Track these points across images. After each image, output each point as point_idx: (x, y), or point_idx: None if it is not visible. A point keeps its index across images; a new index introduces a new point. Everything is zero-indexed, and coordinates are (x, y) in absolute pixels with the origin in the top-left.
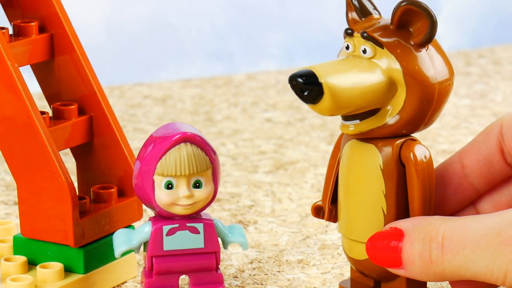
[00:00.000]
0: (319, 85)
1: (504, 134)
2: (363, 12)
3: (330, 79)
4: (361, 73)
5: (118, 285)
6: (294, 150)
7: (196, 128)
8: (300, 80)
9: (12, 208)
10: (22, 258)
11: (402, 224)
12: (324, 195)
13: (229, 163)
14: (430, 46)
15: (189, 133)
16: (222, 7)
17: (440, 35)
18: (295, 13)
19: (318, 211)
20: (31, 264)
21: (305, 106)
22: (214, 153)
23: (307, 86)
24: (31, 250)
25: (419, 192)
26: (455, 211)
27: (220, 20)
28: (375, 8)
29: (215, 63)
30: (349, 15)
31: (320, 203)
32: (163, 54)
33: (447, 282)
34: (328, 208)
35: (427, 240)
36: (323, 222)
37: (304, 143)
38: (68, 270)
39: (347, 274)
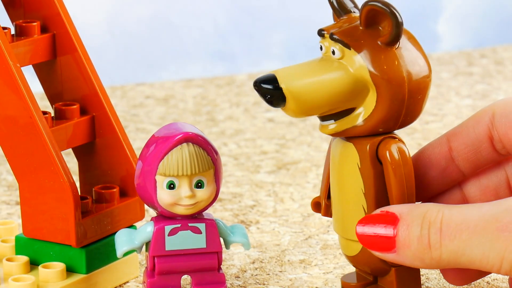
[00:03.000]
0: (280, 90)
1: (495, 122)
2: (342, 10)
3: (291, 83)
4: (326, 75)
5: (120, 285)
6: (296, 150)
7: (198, 128)
8: (262, 85)
9: (14, 208)
10: (24, 258)
11: (394, 208)
12: (321, 190)
13: (231, 163)
14: (403, 43)
15: (191, 133)
16: (224, 7)
17: (442, 35)
18: (297, 13)
19: (318, 206)
20: (33, 264)
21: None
22: (216, 153)
23: (268, 91)
24: (33, 250)
25: (397, 190)
26: (440, 192)
27: (222, 20)
28: (355, 6)
29: (217, 63)
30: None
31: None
32: (165, 54)
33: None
34: (324, 203)
35: (426, 224)
36: (325, 222)
37: (306, 143)
38: (70, 270)
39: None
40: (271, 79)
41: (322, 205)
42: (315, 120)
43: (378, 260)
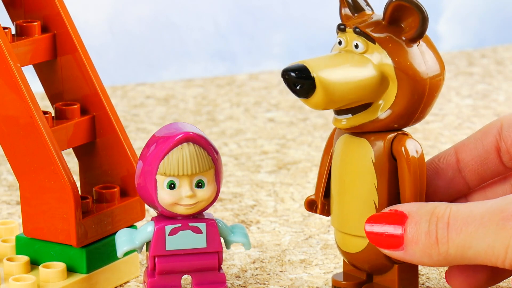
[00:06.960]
0: (311, 79)
1: (503, 134)
2: (356, 8)
3: (322, 73)
4: (353, 68)
5: (120, 285)
6: (297, 150)
7: (198, 128)
8: (292, 74)
9: (15, 208)
10: (25, 258)
11: (403, 207)
12: (317, 189)
13: (232, 163)
14: (421, 42)
15: (191, 133)
16: (225, 7)
17: (443, 35)
18: (298, 13)
19: (311, 205)
20: (34, 264)
21: (307, 106)
22: (217, 153)
23: (299, 80)
24: (34, 250)
25: (410, 186)
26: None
27: (223, 20)
28: (367, 4)
29: (218, 63)
30: (343, 11)
31: (313, 197)
32: (165, 54)
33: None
34: (321, 202)
35: (434, 220)
36: (325, 222)
37: (307, 143)
38: (70, 270)
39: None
40: (302, 69)
41: (319, 203)
42: (315, 120)
43: (382, 257)
